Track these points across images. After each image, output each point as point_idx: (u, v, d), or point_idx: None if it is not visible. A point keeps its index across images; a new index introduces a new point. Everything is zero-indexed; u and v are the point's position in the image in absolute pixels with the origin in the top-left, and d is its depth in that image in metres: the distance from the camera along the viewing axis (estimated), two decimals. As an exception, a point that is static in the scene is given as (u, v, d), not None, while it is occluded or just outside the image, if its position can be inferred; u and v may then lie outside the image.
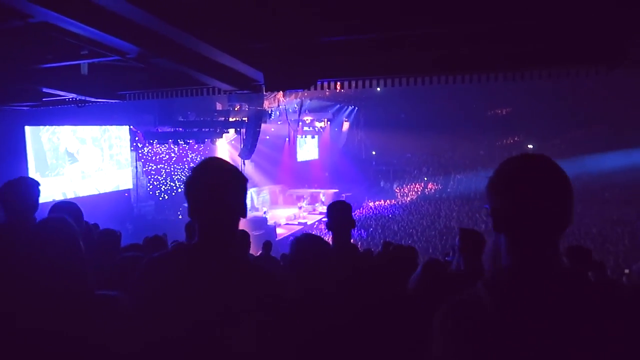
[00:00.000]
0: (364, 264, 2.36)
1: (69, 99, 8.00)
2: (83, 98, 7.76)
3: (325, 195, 27.38)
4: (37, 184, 2.57)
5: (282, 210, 24.65)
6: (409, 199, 31.53)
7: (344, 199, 27.03)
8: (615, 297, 1.12)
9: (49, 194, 14.82)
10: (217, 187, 1.47)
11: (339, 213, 2.53)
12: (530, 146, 35.39)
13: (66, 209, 2.34)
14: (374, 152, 36.95)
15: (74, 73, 6.76)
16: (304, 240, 2.09)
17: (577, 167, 26.88)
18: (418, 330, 2.24)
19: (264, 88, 6.40)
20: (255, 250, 10.36)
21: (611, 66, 5.76)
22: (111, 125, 17.73)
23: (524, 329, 1.05)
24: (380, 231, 22.50)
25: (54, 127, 15.37)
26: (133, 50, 4.92)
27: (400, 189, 33.46)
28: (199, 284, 1.37)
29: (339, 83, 6.75)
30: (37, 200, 2.48)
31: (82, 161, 16.64)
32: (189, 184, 1.49)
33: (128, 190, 19.47)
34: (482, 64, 6.15)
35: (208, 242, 1.47)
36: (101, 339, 1.40)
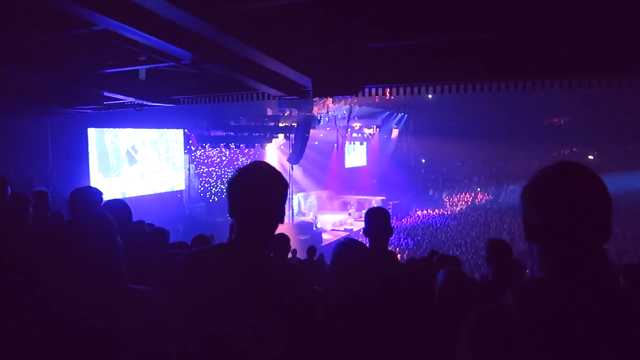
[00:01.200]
0: (398, 272, 2.34)
1: (127, 102, 8.41)
2: (140, 102, 8.13)
3: (375, 202, 27.27)
4: (100, 193, 2.77)
5: (328, 216, 24.72)
6: (458, 208, 30.81)
7: (391, 206, 26.94)
8: None
9: (109, 193, 15.58)
10: (259, 190, 1.50)
11: (376, 220, 2.52)
12: (590, 157, 33.77)
13: (114, 206, 2.48)
14: (423, 160, 36.39)
15: (132, 78, 7.10)
16: (346, 244, 2.10)
17: (637, 181, 25.41)
18: (444, 341, 2.21)
19: (311, 94, 6.47)
20: (301, 254, 10.47)
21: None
22: (166, 128, 18.47)
23: (554, 344, 1.02)
24: (427, 240, 22.11)
25: (116, 129, 16.19)
26: (187, 57, 5.12)
27: (449, 198, 32.75)
28: (231, 281, 1.40)
29: (387, 89, 6.72)
30: (99, 209, 2.67)
31: (141, 162, 17.43)
32: (232, 183, 1.53)
33: (181, 192, 20.15)
34: (537, 70, 5.95)
35: (244, 242, 1.50)
36: (130, 331, 1.45)
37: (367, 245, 2.57)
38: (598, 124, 31.20)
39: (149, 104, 8.21)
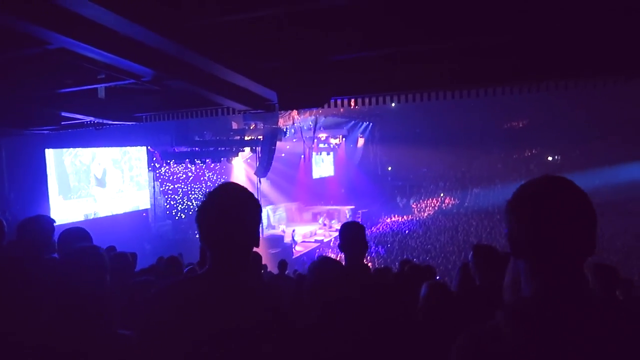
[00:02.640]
0: (375, 286, 2.31)
1: (87, 122, 8.16)
2: (101, 121, 7.90)
3: (345, 212, 27.36)
4: (51, 222, 2.64)
5: (298, 228, 24.59)
6: (426, 214, 31.24)
7: (360, 215, 27.03)
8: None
9: (71, 216, 15.10)
10: (232, 215, 1.42)
11: (351, 234, 2.49)
12: (550, 158, 34.89)
13: (74, 235, 2.35)
14: (390, 168, 36.82)
15: (91, 97, 6.90)
16: (320, 263, 2.06)
17: (598, 179, 26.38)
18: (428, 354, 2.19)
19: (277, 107, 6.43)
20: (272, 268, 10.33)
21: (629, 76, 5.67)
22: (129, 146, 18.04)
23: None
24: (397, 247, 22.28)
25: (76, 150, 15.67)
26: (148, 73, 5.01)
27: (417, 205, 33.19)
28: (209, 314, 1.33)
29: (352, 100, 6.76)
30: (50, 239, 2.55)
31: (102, 183, 16.92)
32: (202, 209, 1.44)
33: (146, 210, 19.68)
34: (496, 76, 6.10)
35: (219, 271, 1.42)
36: None
37: (343, 260, 2.53)
38: (556, 126, 32.31)
39: (110, 122, 8.00)
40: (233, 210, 1.43)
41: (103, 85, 6.30)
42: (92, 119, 7.90)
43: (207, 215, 1.43)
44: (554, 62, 5.64)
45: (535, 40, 5.18)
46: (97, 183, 16.70)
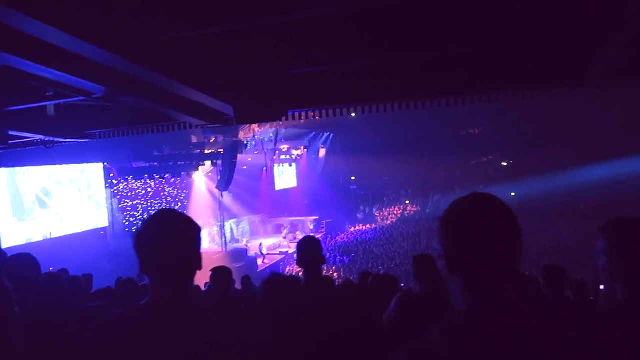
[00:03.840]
0: (335, 301, 2.32)
1: (36, 140, 7.86)
2: (51, 139, 7.63)
3: (309, 222, 27.35)
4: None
5: (262, 240, 24.40)
6: (389, 222, 31.62)
7: (324, 225, 27.06)
8: (577, 325, 1.12)
9: (26, 236, 14.51)
10: (169, 242, 1.39)
11: (308, 250, 2.50)
12: (504, 164, 36.02)
13: (18, 263, 2.26)
14: (353, 178, 37.13)
15: (40, 114, 6.66)
16: (271, 280, 2.05)
17: (550, 183, 27.43)
18: None
19: (234, 121, 6.39)
20: (236, 282, 10.17)
21: (572, 86, 5.94)
22: (84, 163, 17.51)
23: None
24: (362, 256, 22.41)
25: (29, 169, 15.07)
26: (99, 90, 4.89)
27: (380, 213, 33.56)
28: (151, 347, 1.29)
29: (310, 113, 6.79)
30: None
31: (58, 203, 16.33)
32: (139, 238, 1.41)
33: (104, 229, 19.10)
34: (448, 88, 6.28)
35: (161, 300, 1.39)
36: None
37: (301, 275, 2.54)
38: (509, 132, 33.45)
39: (61, 140, 7.73)
40: (173, 238, 1.41)
41: (52, 102, 6.09)
42: (41, 137, 7.61)
43: (145, 243, 1.40)
44: (504, 74, 5.86)
45: (487, 53, 5.37)
46: (52, 203, 16.11)
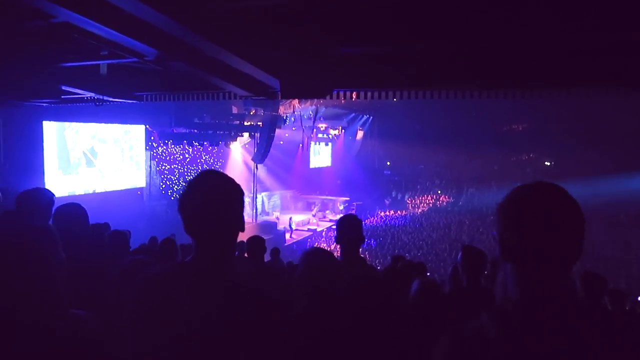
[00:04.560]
0: (365, 279, 2.34)
1: (87, 97, 8.11)
2: (101, 97, 7.86)
3: (339, 203, 27.43)
4: (51, 195, 2.65)
5: (292, 216, 24.66)
6: (420, 210, 31.35)
7: (354, 207, 27.08)
8: (626, 334, 1.09)
9: (69, 189, 15.16)
10: (214, 202, 1.41)
11: (349, 228, 2.51)
12: (547, 163, 34.97)
13: (68, 213, 2.36)
14: (388, 162, 36.83)
15: (93, 72, 6.86)
16: (313, 253, 2.08)
17: (593, 188, 26.48)
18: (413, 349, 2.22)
19: (279, 95, 6.42)
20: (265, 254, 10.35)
21: (631, 88, 5.69)
22: (128, 124, 17.98)
23: None
24: (389, 241, 22.36)
25: (78, 125, 15.61)
26: (151, 53, 4.99)
27: (412, 200, 33.29)
28: (196, 305, 1.32)
29: (354, 93, 6.75)
30: (48, 211, 2.56)
31: (102, 161, 16.90)
32: (184, 198, 1.42)
33: (141, 189, 19.66)
34: (498, 80, 6.11)
35: (205, 260, 1.41)
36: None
37: (339, 252, 2.56)
38: (554, 132, 32.37)
39: (110, 99, 7.96)
40: (215, 196, 1.42)
41: (105, 62, 6.26)
42: (92, 94, 7.85)
43: (189, 203, 1.41)
44: (558, 70, 5.66)
45: (544, 48, 5.19)
46: (97, 161, 16.68)
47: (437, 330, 1.47)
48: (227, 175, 1.49)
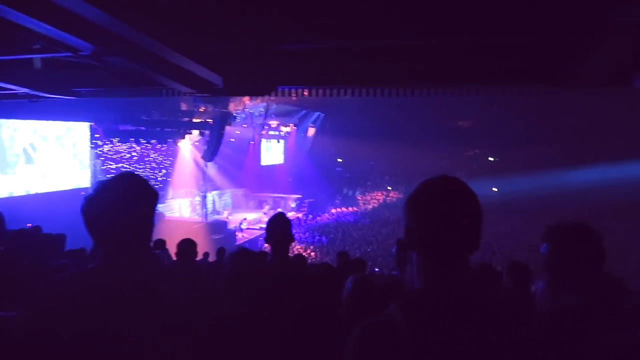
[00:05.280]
0: (300, 279, 2.36)
1: (20, 93, 7.71)
2: (36, 93, 7.50)
3: (291, 200, 27.39)
4: None
5: (244, 214, 24.43)
6: (370, 206, 31.82)
7: (306, 204, 27.11)
8: (527, 317, 1.17)
9: (8, 189, 14.39)
10: (122, 206, 1.37)
11: (276, 228, 2.53)
12: (491, 159, 36.29)
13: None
14: (340, 160, 37.10)
15: (26, 67, 6.54)
16: (238, 254, 2.08)
17: (535, 182, 27.74)
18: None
19: (223, 92, 6.34)
20: (214, 254, 10.21)
21: (562, 87, 6.00)
22: (70, 121, 17.25)
23: (437, 351, 1.08)
24: (340, 238, 22.57)
25: (14, 122, 14.81)
26: (86, 48, 4.80)
27: (362, 197, 33.72)
28: (100, 313, 1.30)
29: (299, 91, 6.77)
30: None
31: (43, 159, 16.12)
32: (91, 200, 1.38)
33: (85, 189, 18.93)
34: (443, 77, 6.28)
35: (110, 266, 1.37)
36: None
37: (269, 252, 2.57)
38: (498, 129, 33.60)
39: (46, 95, 7.60)
40: (125, 198, 1.38)
41: (39, 55, 5.98)
42: (26, 90, 7.47)
43: (96, 206, 1.37)
44: (496, 68, 5.89)
45: (484, 46, 5.39)
46: (37, 158, 15.90)
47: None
48: (141, 177, 1.44)
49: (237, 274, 1.97)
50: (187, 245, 3.94)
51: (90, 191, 1.39)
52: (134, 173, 1.49)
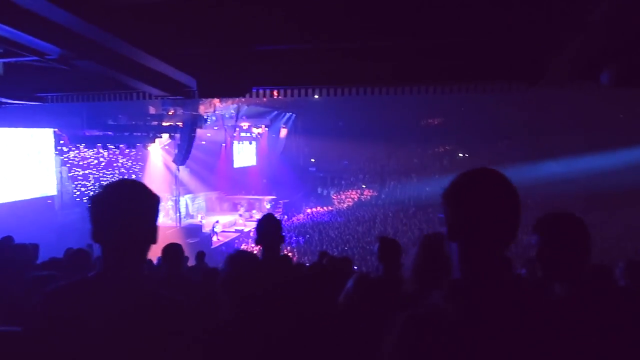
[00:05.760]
0: (291, 277, 2.34)
1: (-18, 99, 7.42)
2: (-2, 99, 7.23)
3: (266, 202, 27.25)
4: None
5: (218, 217, 24.17)
6: (345, 205, 31.96)
7: (281, 205, 27.04)
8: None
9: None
10: (128, 211, 1.35)
11: (267, 228, 2.50)
12: (460, 155, 36.94)
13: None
14: (313, 160, 37.14)
15: (-13, 72, 6.29)
16: (235, 256, 2.04)
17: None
18: (350, 344, 2.25)
19: (196, 94, 6.24)
20: (190, 258, 10.05)
21: (531, 83, 6.14)
22: (34, 127, 16.70)
23: (489, 340, 1.09)
24: (317, 238, 22.59)
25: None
26: (53, 51, 4.65)
27: (337, 196, 33.83)
28: (102, 321, 1.26)
29: (274, 91, 6.72)
30: None
31: (5, 167, 15.55)
32: (96, 203, 1.36)
33: (52, 197, 18.37)
34: (413, 76, 6.35)
35: (113, 273, 1.35)
36: None
37: (260, 253, 2.53)
38: (466, 125, 34.26)
39: (9, 101, 7.33)
40: (130, 202, 1.37)
41: (1, 60, 5.76)
42: (-13, 96, 7.20)
43: (101, 208, 1.35)
44: (465, 66, 5.98)
45: (452, 45, 5.46)
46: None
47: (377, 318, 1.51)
48: (144, 184, 1.43)
49: (237, 277, 1.93)
50: (174, 250, 3.84)
51: (96, 192, 1.35)
52: (135, 180, 1.46)
